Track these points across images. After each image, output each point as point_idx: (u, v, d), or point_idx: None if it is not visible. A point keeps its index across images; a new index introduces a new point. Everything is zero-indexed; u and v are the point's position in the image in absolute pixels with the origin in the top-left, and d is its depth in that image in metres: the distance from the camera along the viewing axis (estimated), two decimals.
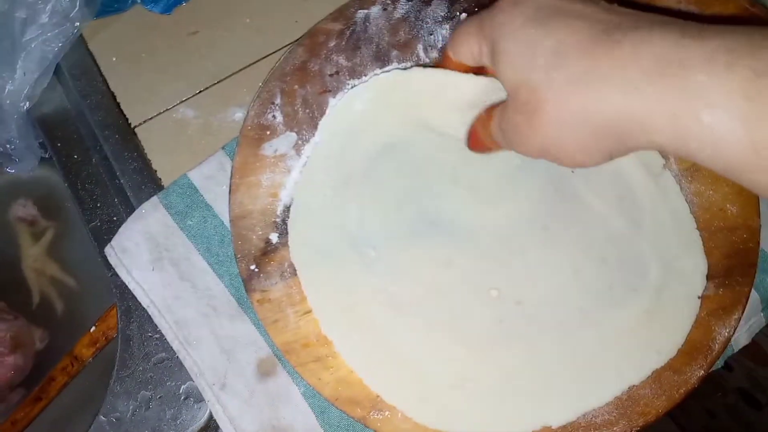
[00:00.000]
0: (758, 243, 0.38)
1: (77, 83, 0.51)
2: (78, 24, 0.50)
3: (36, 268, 0.64)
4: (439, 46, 0.43)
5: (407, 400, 0.35)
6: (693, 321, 0.36)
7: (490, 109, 0.32)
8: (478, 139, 0.34)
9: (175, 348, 0.42)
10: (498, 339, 0.36)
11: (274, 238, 0.39)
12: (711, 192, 0.39)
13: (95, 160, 0.50)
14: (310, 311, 0.38)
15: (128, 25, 0.52)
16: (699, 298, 0.37)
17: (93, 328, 0.56)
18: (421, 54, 0.43)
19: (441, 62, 0.36)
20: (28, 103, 0.53)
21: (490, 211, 0.39)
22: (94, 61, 0.51)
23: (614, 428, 0.34)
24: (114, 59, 0.51)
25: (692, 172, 0.39)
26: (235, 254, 0.39)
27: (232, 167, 0.41)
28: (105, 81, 0.51)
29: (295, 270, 0.39)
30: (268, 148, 0.41)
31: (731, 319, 0.36)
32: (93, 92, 0.50)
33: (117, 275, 0.45)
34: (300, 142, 0.41)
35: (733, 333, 0.37)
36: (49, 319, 0.62)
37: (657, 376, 0.35)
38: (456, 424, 0.35)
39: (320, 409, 0.39)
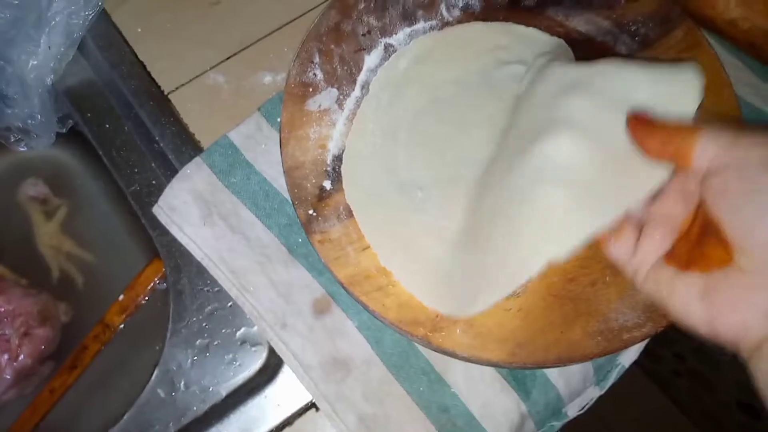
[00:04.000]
0: None
1: (105, 54, 0.53)
2: None
3: (52, 246, 0.64)
4: (460, 5, 0.47)
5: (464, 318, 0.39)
6: None
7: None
8: None
9: (233, 295, 0.45)
10: None
11: (327, 185, 0.43)
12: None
13: (128, 127, 0.52)
14: (367, 247, 0.41)
15: None
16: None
17: (121, 297, 0.58)
18: (444, 13, 0.47)
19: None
20: (52, 77, 0.54)
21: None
22: (119, 32, 0.53)
23: (643, 329, 0.39)
24: (139, 30, 0.53)
25: None
26: (292, 201, 0.42)
27: (281, 123, 0.44)
28: (133, 51, 0.52)
29: (350, 212, 0.42)
30: (312, 104, 0.44)
31: None
32: (122, 62, 0.52)
33: (162, 234, 0.48)
34: (341, 97, 0.45)
35: None
36: (70, 293, 0.63)
37: None
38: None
39: (375, 339, 0.43)
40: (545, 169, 0.33)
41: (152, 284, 0.58)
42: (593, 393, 0.47)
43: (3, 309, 0.57)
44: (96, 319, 0.59)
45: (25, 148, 0.61)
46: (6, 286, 0.58)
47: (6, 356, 0.56)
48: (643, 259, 0.32)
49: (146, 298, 0.59)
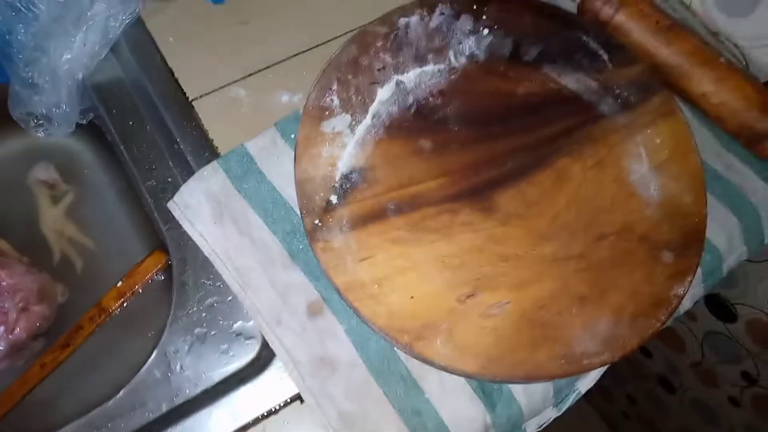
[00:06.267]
0: (705, 226, 0.50)
1: (136, 57, 0.57)
2: (141, 3, 0.56)
3: (56, 229, 0.67)
4: (467, 53, 0.53)
5: None
6: None
7: None
8: None
9: (234, 291, 0.49)
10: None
11: (333, 199, 0.47)
12: (673, 185, 0.51)
13: (150, 127, 0.56)
14: (364, 258, 0.46)
15: (184, 10, 0.58)
16: None
17: (120, 283, 0.62)
18: (452, 59, 0.53)
19: None
20: (83, 71, 0.58)
21: None
22: (152, 39, 0.57)
23: (601, 357, 0.44)
24: (171, 39, 0.57)
25: (660, 169, 0.51)
26: (300, 211, 0.46)
27: (297, 140, 0.48)
28: (162, 58, 0.57)
29: (351, 225, 0.47)
30: (327, 126, 0.49)
31: (685, 281, 0.47)
32: (151, 67, 0.57)
33: (173, 228, 0.52)
34: (353, 122, 0.50)
35: (686, 292, 0.48)
36: (69, 275, 0.65)
37: (633, 319, 0.46)
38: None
39: (360, 343, 0.47)
40: None
41: (151, 274, 0.62)
42: (551, 414, 0.51)
43: (5, 283, 0.60)
44: (91, 303, 0.62)
45: (43, 135, 0.65)
46: (9, 262, 0.61)
47: (2, 328, 0.59)
48: None
49: (143, 287, 0.62)
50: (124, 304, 0.62)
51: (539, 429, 0.51)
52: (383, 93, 0.51)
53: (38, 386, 0.59)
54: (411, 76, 0.52)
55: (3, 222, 0.66)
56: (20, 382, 0.59)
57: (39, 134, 0.65)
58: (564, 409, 0.52)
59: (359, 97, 0.50)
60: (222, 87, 0.56)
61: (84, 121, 0.64)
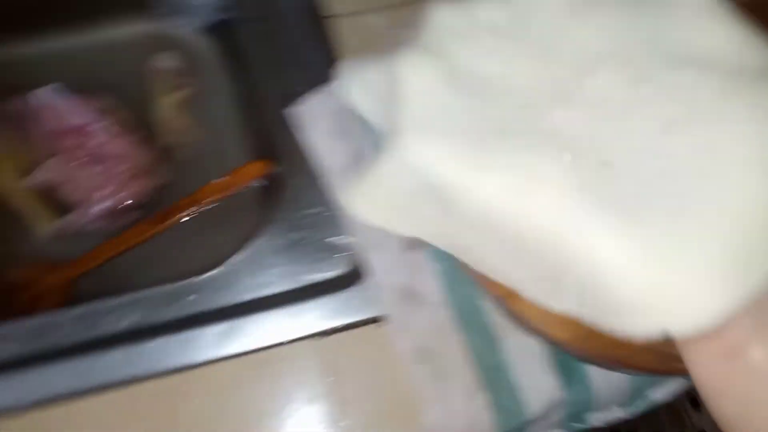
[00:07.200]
0: None
1: None
2: None
3: (168, 117, 0.69)
4: None
5: None
6: None
7: None
8: None
9: (340, 204, 0.49)
10: None
11: None
12: None
13: (281, 34, 0.56)
14: None
15: None
16: None
17: (221, 179, 0.63)
18: None
19: None
20: None
21: None
22: None
23: None
24: None
25: None
26: None
27: None
28: None
29: None
30: None
31: None
32: None
33: (286, 136, 0.52)
34: None
35: None
36: (175, 161, 0.67)
37: None
38: None
39: (450, 287, 0.47)
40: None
41: (250, 180, 0.62)
42: (618, 413, 0.50)
43: (121, 150, 0.62)
44: (189, 192, 0.63)
45: (173, 24, 0.66)
46: (126, 133, 0.63)
47: (111, 188, 0.61)
48: None
49: (241, 190, 0.63)
50: (220, 202, 0.63)
51: (602, 424, 0.50)
52: None
53: (123, 254, 0.61)
54: None
55: (122, 99, 0.67)
56: (109, 244, 0.61)
57: (169, 23, 0.66)
58: (631, 412, 0.50)
59: None
60: (362, 12, 0.55)
61: (215, 19, 0.64)
